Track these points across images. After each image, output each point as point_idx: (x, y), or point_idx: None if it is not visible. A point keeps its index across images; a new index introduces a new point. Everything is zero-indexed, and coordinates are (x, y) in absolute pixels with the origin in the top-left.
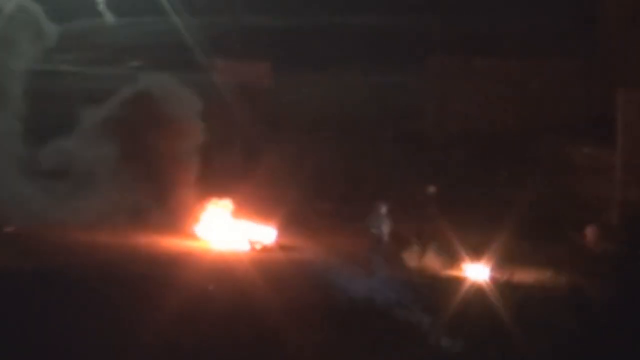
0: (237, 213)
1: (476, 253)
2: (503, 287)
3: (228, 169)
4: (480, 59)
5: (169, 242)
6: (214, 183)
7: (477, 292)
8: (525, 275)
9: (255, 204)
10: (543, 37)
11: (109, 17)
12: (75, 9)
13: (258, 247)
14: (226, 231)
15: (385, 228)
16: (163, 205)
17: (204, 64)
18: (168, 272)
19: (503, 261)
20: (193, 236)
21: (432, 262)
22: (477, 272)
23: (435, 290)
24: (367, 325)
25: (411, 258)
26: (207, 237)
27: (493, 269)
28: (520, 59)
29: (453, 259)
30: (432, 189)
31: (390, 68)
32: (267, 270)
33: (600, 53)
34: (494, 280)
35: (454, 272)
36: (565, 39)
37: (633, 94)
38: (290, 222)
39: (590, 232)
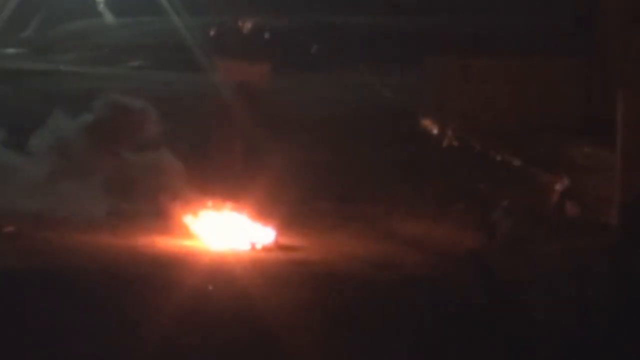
0: (237, 213)
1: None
2: None
3: (228, 168)
4: (480, 59)
5: (169, 242)
6: (214, 183)
7: None
8: None
9: (255, 203)
10: (543, 36)
11: (109, 17)
12: (75, 9)
13: (258, 246)
14: (226, 231)
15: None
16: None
17: (204, 64)
18: (168, 272)
19: None
20: (193, 236)
21: None
22: None
23: None
24: (367, 325)
25: None
26: (207, 237)
27: None
28: (520, 59)
29: None
30: None
31: (391, 68)
32: (267, 270)
33: (600, 53)
34: None
35: None
36: (565, 39)
37: (633, 94)
38: (290, 221)
39: None
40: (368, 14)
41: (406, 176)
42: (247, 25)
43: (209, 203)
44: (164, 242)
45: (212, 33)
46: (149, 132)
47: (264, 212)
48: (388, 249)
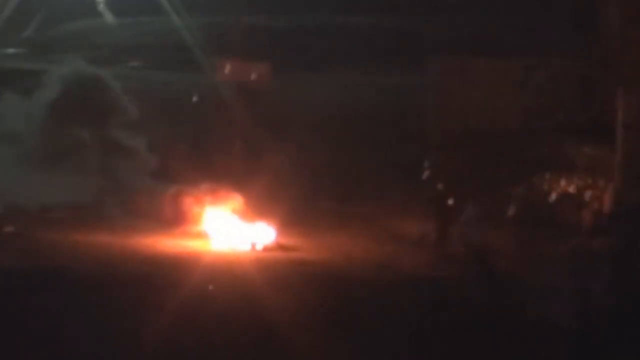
0: (237, 212)
1: None
2: None
3: (228, 168)
4: (480, 59)
5: (169, 242)
6: (215, 182)
7: None
8: None
9: (256, 203)
10: (543, 36)
11: (109, 17)
12: (75, 9)
13: (258, 247)
14: (227, 231)
15: None
16: None
17: (204, 64)
18: (168, 272)
19: None
20: (193, 236)
21: None
22: None
23: None
24: (367, 325)
25: None
26: (207, 237)
27: None
28: (520, 59)
29: None
30: None
31: (391, 68)
32: (267, 270)
33: (600, 53)
34: None
35: None
36: (565, 39)
37: (633, 94)
38: (291, 221)
39: None
40: (368, 14)
41: (406, 176)
42: (247, 25)
43: (209, 203)
44: (163, 242)
45: (212, 33)
46: (114, 109)
47: (264, 212)
48: (388, 249)
